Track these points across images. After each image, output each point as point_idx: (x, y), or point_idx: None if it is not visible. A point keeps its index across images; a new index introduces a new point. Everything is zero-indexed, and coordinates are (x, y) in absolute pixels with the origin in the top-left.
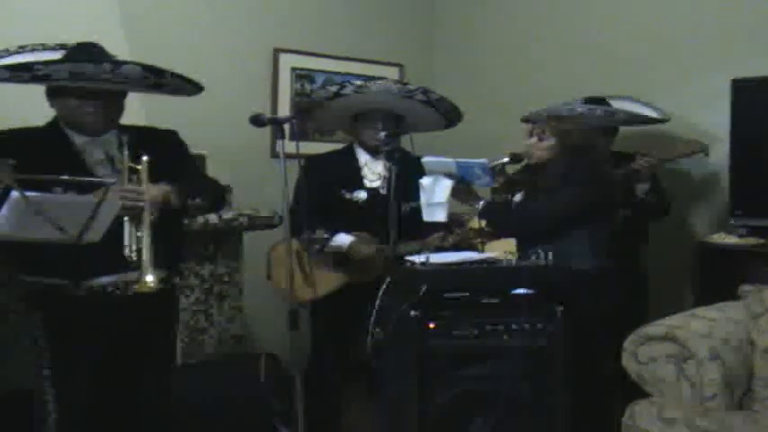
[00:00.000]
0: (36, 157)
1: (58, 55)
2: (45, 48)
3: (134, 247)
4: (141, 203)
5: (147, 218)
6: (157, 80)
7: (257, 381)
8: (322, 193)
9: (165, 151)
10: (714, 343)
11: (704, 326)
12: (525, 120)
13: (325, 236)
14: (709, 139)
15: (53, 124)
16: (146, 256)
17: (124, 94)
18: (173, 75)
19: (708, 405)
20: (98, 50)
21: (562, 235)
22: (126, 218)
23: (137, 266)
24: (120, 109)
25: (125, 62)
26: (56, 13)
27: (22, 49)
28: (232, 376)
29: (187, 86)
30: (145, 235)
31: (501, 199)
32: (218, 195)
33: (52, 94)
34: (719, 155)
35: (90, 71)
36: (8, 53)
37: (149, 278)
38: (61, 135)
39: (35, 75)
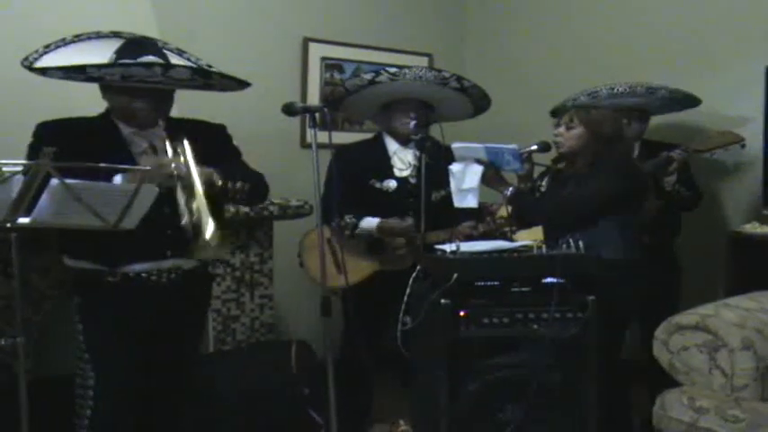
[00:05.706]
0: (87, 145)
1: (113, 43)
2: (99, 36)
3: (187, 217)
4: (179, 170)
5: (195, 177)
6: (206, 81)
7: (288, 368)
8: (352, 183)
9: (212, 143)
10: (746, 333)
11: (736, 315)
12: (553, 113)
13: (353, 220)
14: (742, 128)
15: (105, 115)
16: (204, 216)
17: (174, 90)
18: (220, 75)
19: (739, 395)
20: (151, 45)
21: (590, 224)
22: (179, 188)
23: (195, 233)
24: (169, 103)
25: (174, 66)
26: (88, 2)
27: (77, 38)
28: (264, 363)
29: (234, 84)
30: (198, 196)
31: (527, 187)
32: (260, 185)
33: (105, 90)
34: (753, 144)
35: (141, 74)
36: (65, 43)
37: (208, 233)
38: (112, 126)
39: (89, 76)
